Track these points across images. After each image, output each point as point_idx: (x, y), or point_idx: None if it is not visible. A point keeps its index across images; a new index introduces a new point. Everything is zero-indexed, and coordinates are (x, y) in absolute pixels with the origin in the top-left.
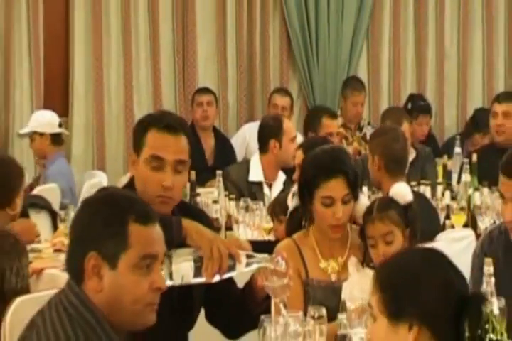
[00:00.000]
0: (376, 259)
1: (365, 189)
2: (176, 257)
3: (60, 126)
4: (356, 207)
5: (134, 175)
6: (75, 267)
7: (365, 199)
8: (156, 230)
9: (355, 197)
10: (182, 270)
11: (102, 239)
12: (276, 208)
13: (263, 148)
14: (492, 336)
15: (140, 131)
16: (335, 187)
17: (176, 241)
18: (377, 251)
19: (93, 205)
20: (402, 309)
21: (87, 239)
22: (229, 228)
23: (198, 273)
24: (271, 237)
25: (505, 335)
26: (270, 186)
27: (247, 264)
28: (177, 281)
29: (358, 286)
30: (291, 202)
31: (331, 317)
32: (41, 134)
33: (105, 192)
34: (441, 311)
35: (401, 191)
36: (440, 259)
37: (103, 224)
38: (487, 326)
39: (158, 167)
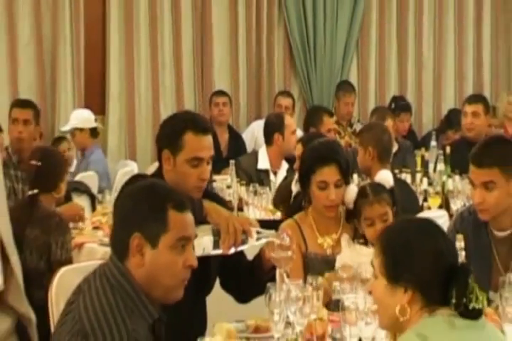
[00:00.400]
0: (373, 237)
1: (355, 176)
2: (198, 232)
3: (95, 121)
4: (346, 194)
5: (167, 169)
6: (119, 245)
7: (353, 186)
8: (189, 216)
9: (347, 182)
10: (203, 243)
11: (145, 222)
12: (278, 198)
13: (269, 140)
14: (475, 305)
15: (175, 132)
16: (328, 173)
17: (198, 218)
18: (375, 229)
19: (136, 193)
20: (399, 275)
21: (132, 222)
22: (240, 209)
23: (216, 246)
24: (275, 217)
25: (486, 306)
26: (275, 173)
27: (257, 239)
28: (198, 253)
29: (350, 259)
30: (295, 188)
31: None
32: (81, 129)
33: (145, 182)
34: (432, 279)
35: (385, 177)
36: (434, 229)
37: (147, 210)
38: (471, 296)
39: (197, 164)
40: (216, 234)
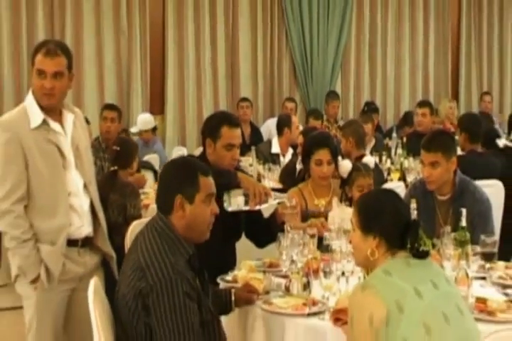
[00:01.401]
0: None
1: (340, 158)
2: (234, 194)
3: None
4: (341, 167)
5: (209, 152)
6: (164, 204)
7: (347, 162)
8: (211, 180)
9: (335, 161)
10: (237, 201)
11: (184, 186)
12: (284, 173)
13: (280, 133)
14: (424, 248)
15: (215, 126)
16: (323, 154)
17: (233, 184)
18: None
19: (175, 165)
20: (370, 228)
21: (174, 187)
22: (259, 181)
23: (246, 203)
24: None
25: (431, 249)
26: (284, 156)
27: (274, 199)
28: (234, 208)
29: (338, 215)
30: (298, 166)
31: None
32: (145, 130)
33: (179, 158)
34: (393, 230)
35: (370, 160)
36: (394, 195)
37: (184, 177)
38: (421, 242)
39: (231, 149)
40: (246, 195)
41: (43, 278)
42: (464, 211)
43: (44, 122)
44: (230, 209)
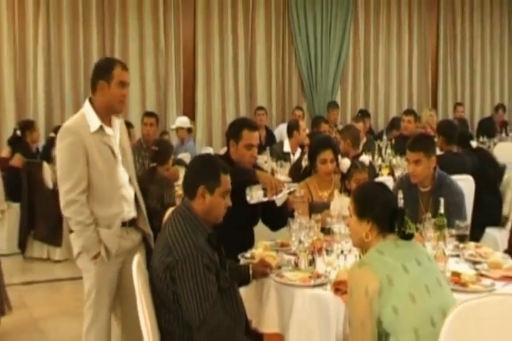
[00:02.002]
0: None
1: (339, 156)
2: (254, 189)
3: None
4: (341, 165)
5: (232, 151)
6: (190, 191)
7: (346, 160)
8: (229, 178)
9: (337, 160)
10: (258, 195)
11: (207, 179)
12: (293, 169)
13: (290, 135)
14: (409, 231)
15: (237, 129)
16: (327, 154)
17: (253, 181)
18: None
19: (202, 161)
20: (364, 214)
21: (200, 178)
22: (272, 175)
23: (264, 195)
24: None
25: (415, 232)
26: (294, 154)
27: (287, 188)
28: (255, 200)
29: (338, 204)
30: (304, 163)
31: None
32: (182, 128)
33: (205, 155)
34: (384, 216)
35: (365, 159)
36: (384, 187)
37: (209, 172)
38: (406, 226)
39: (250, 148)
40: (264, 189)
41: (103, 254)
42: (442, 200)
43: (100, 127)
44: (252, 201)
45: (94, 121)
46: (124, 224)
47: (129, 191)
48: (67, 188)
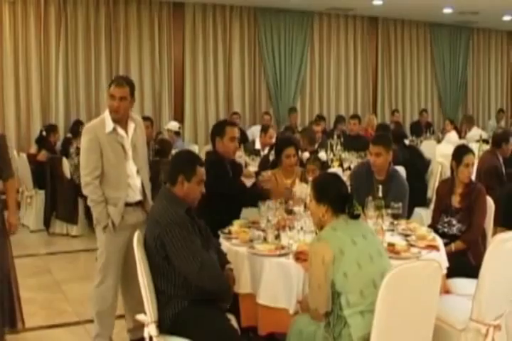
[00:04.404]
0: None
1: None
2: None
3: (179, 128)
4: (303, 156)
5: (218, 144)
6: (171, 179)
7: (306, 153)
8: (203, 170)
9: (298, 155)
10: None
11: (186, 170)
12: (262, 162)
13: (260, 135)
14: (356, 212)
15: (221, 127)
16: (290, 150)
17: (240, 171)
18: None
19: (182, 155)
20: (321, 199)
21: (180, 169)
22: (245, 167)
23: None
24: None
25: (361, 212)
26: (263, 150)
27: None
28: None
29: (299, 190)
30: (271, 157)
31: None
32: (171, 131)
33: (183, 150)
34: (337, 200)
35: (323, 155)
36: (337, 177)
37: (187, 164)
38: (355, 207)
39: (233, 140)
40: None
41: (110, 226)
42: (380, 187)
43: (114, 129)
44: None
45: (109, 124)
46: (131, 204)
47: (136, 180)
48: (86, 173)
